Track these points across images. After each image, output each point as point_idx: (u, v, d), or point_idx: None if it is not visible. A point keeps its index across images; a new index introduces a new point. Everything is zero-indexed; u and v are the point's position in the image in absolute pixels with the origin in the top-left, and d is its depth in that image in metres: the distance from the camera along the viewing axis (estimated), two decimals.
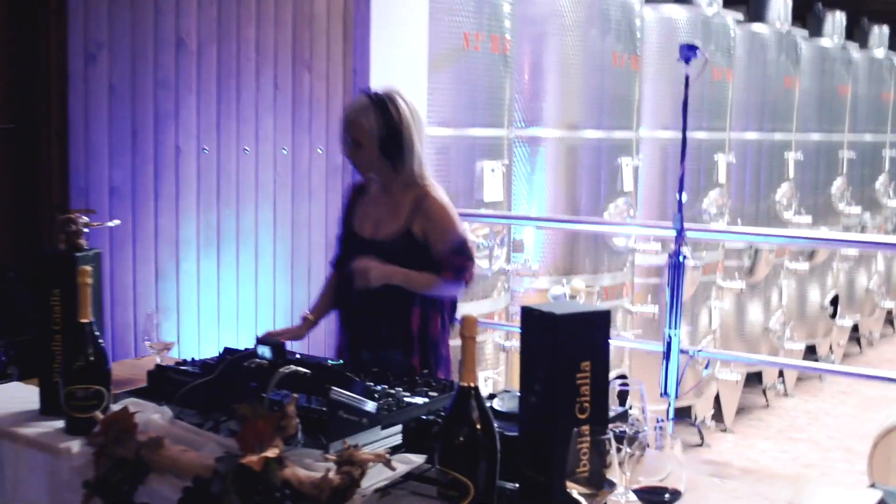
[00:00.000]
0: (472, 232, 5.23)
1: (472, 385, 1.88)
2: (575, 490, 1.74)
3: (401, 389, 2.49)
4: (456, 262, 3.01)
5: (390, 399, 2.40)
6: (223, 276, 3.90)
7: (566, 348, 1.85)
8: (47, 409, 2.59)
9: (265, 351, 2.25)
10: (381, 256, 2.99)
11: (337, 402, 2.15)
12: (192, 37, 3.78)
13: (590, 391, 1.87)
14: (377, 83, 4.50)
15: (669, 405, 3.94)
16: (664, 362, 3.91)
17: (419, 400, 2.42)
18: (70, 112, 3.44)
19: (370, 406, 2.24)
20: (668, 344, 3.90)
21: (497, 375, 5.63)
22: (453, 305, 3.15)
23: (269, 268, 4.12)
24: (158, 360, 2.83)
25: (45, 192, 3.51)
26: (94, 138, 3.52)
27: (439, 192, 3.08)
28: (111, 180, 3.58)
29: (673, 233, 3.94)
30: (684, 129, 4.04)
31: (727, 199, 6.96)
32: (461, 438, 1.85)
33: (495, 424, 1.88)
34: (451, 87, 5.25)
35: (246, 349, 2.43)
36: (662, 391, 3.92)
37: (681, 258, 3.89)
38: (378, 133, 2.96)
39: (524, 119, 5.96)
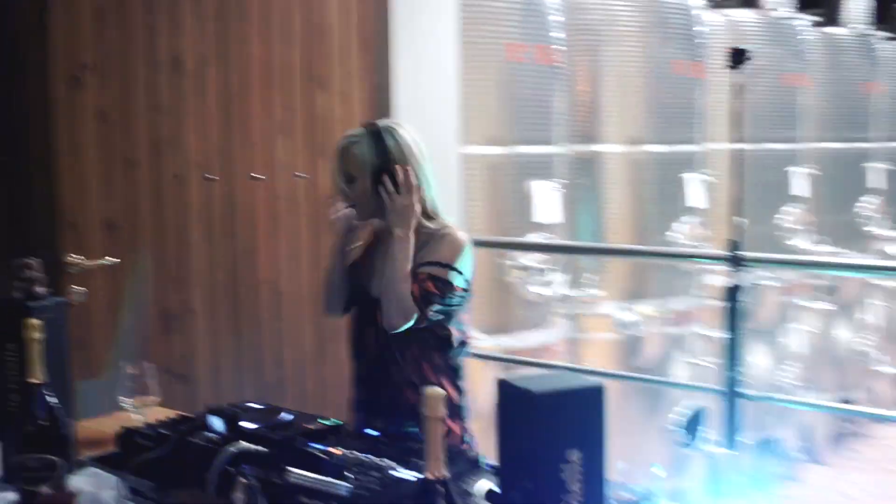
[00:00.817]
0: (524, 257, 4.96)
1: (438, 477, 1.53)
2: None
3: (390, 461, 2.12)
4: (423, 281, 2.60)
5: (374, 474, 2.05)
6: (241, 318, 3.62)
7: (550, 433, 1.50)
8: (9, 477, 2.34)
9: (215, 423, 1.93)
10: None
11: (296, 487, 1.82)
12: (190, 56, 3.50)
13: (581, 487, 1.51)
14: (402, 98, 4.22)
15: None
16: (724, 406, 3.51)
17: (410, 475, 2.06)
18: (54, 142, 3.17)
19: (342, 489, 1.90)
20: (728, 386, 3.49)
21: None
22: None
23: (294, 304, 3.83)
24: (140, 419, 2.54)
25: (33, 229, 3.26)
26: (83, 169, 3.25)
27: (461, 234, 2.71)
28: (104, 215, 3.31)
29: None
30: (739, 142, 3.69)
31: (807, 215, 6.55)
32: None
33: None
34: (494, 103, 5.00)
35: (204, 415, 2.11)
36: (723, 438, 3.53)
37: (738, 289, 3.49)
38: (371, 166, 2.63)
39: (581, 134, 5.62)
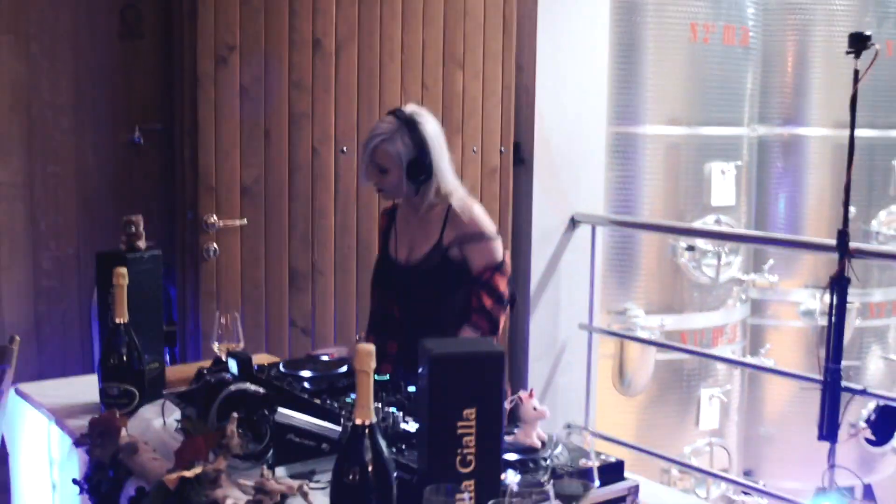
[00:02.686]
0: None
1: (365, 423, 1.80)
2: None
3: (400, 414, 2.42)
4: (488, 278, 2.94)
5: (381, 423, 2.34)
6: (362, 280, 3.98)
7: (446, 393, 1.73)
8: None
9: (232, 365, 2.28)
10: (418, 280, 2.98)
11: (284, 426, 2.14)
12: (330, 38, 3.89)
13: (475, 442, 1.74)
14: (544, 79, 4.42)
15: (831, 453, 3.56)
16: (822, 401, 3.53)
17: (412, 427, 2.35)
18: (200, 114, 3.64)
19: (334, 432, 2.20)
20: (829, 380, 3.51)
21: (723, 396, 5.36)
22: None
23: None
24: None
25: (181, 191, 3.75)
26: (224, 139, 3.71)
27: (468, 200, 3.03)
28: (243, 180, 3.76)
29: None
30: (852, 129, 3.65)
31: None
32: (351, 481, 1.79)
33: (391, 467, 1.79)
34: (677, 83, 5.10)
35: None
36: (820, 434, 3.55)
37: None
38: (406, 158, 2.94)
39: (781, 116, 5.60)
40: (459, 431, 1.74)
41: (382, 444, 1.81)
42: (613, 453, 4.75)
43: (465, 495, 1.60)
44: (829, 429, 3.55)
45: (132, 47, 3.85)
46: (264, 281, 3.87)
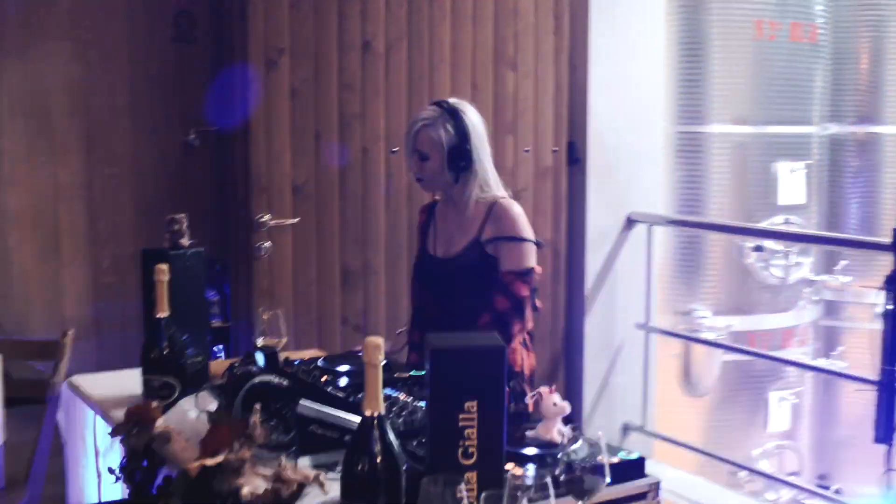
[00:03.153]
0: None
1: (374, 414, 1.83)
2: None
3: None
4: (509, 282, 2.95)
5: (394, 412, 2.37)
6: None
7: (447, 385, 1.76)
8: None
9: (259, 358, 2.34)
10: (453, 274, 3.00)
11: (305, 417, 2.18)
12: (380, 39, 3.94)
13: (476, 434, 1.76)
14: (598, 78, 4.42)
15: (889, 456, 3.49)
16: (878, 403, 3.46)
17: None
18: (251, 116, 3.72)
19: (356, 424, 2.24)
20: (884, 381, 3.44)
21: (793, 398, 5.30)
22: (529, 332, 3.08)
23: None
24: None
25: (234, 191, 3.84)
26: (275, 141, 3.78)
27: (512, 201, 3.03)
28: (294, 180, 3.83)
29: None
30: None
31: None
32: (361, 471, 1.82)
33: (400, 458, 1.82)
34: (743, 81, 5.06)
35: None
36: (876, 437, 3.48)
37: None
38: (447, 144, 2.95)
39: (854, 114, 5.52)
40: (461, 424, 1.76)
41: (391, 435, 1.84)
42: (676, 456, 4.73)
43: (462, 487, 1.62)
44: (885, 431, 3.48)
45: (186, 52, 3.96)
46: (316, 279, 3.94)
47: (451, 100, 3.13)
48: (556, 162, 4.42)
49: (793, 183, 5.25)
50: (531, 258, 3.08)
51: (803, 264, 5.25)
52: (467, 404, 1.76)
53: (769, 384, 5.22)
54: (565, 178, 4.46)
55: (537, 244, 3.13)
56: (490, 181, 3.12)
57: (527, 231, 3.10)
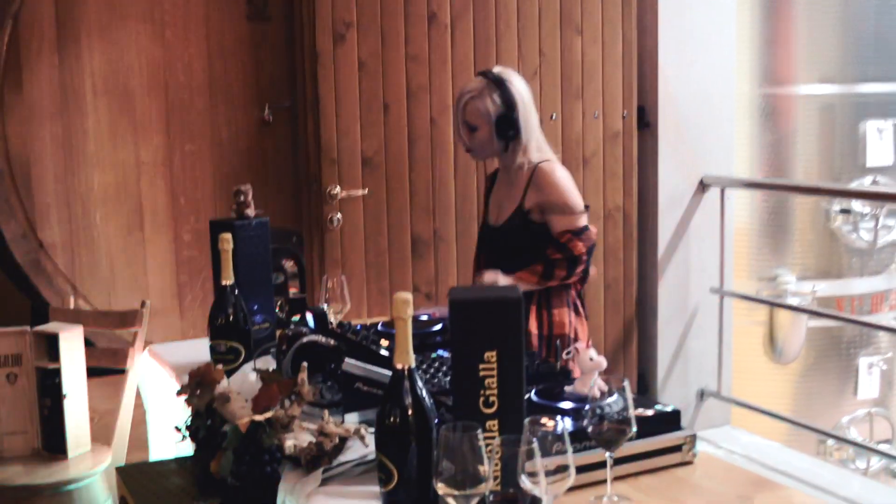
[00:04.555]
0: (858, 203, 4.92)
1: (404, 367, 1.92)
2: (443, 488, 1.72)
3: None
4: (566, 241, 2.98)
5: (443, 372, 2.47)
6: None
7: (467, 335, 1.84)
8: None
9: (310, 319, 2.45)
10: (501, 241, 3.10)
11: (352, 375, 2.29)
12: (445, 10, 4.02)
13: (497, 383, 1.84)
14: (668, 41, 4.42)
15: None
16: None
17: None
18: (320, 89, 3.84)
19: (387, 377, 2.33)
20: None
21: (883, 364, 5.24)
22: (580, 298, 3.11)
23: None
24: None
25: (304, 163, 3.97)
26: (344, 113, 3.90)
27: (555, 165, 3.08)
28: (363, 152, 3.94)
29: None
30: None
31: None
32: (392, 422, 1.91)
33: (430, 410, 1.91)
34: (829, 39, 5.00)
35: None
36: None
37: None
38: (495, 114, 3.00)
39: None
40: (482, 373, 1.84)
41: (422, 387, 1.93)
42: (759, 422, 4.71)
43: (480, 434, 1.69)
44: None
45: (260, 29, 4.08)
46: (387, 248, 4.05)
47: (497, 69, 3.19)
48: (626, 126, 4.44)
49: (881, 143, 5.16)
50: (582, 218, 3.13)
51: (893, 227, 5.16)
52: (487, 354, 1.83)
53: (858, 350, 5.15)
54: (635, 143, 4.48)
55: (585, 207, 3.16)
56: (535, 147, 3.17)
57: (571, 195, 3.14)
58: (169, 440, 3.28)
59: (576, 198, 3.15)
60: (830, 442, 5.07)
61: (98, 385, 3.36)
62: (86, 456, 3.10)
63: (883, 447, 4.89)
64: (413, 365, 1.92)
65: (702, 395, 4.76)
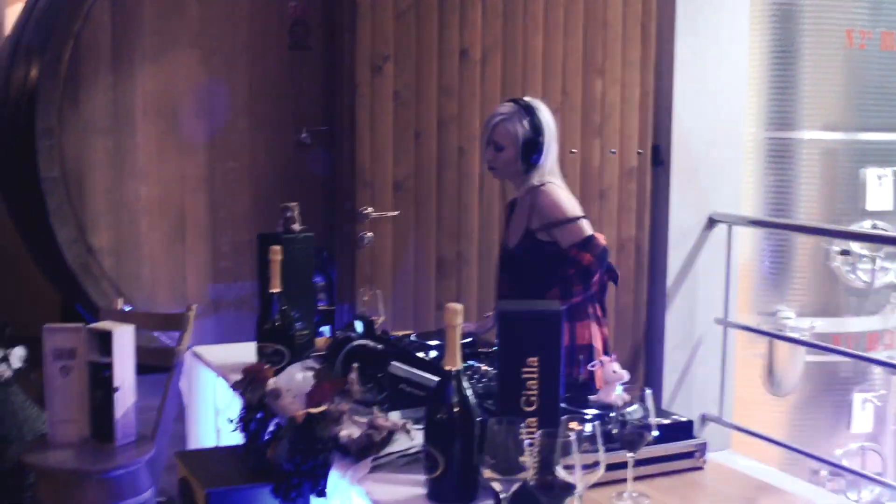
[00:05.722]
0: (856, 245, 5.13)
1: (453, 369, 2.16)
2: (488, 473, 1.95)
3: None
4: (574, 254, 3.21)
5: (475, 378, 2.71)
6: None
7: (512, 343, 2.08)
8: None
9: (358, 325, 2.69)
10: (515, 263, 3.31)
11: (397, 377, 2.53)
12: (477, 47, 4.29)
13: (537, 385, 2.08)
14: (683, 85, 4.68)
15: None
16: None
17: None
18: (357, 116, 4.10)
19: (434, 382, 2.58)
20: None
21: (877, 400, 5.42)
22: (602, 306, 3.34)
23: None
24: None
25: (340, 185, 4.23)
26: (378, 139, 4.16)
27: (555, 188, 3.37)
28: (395, 176, 4.20)
29: None
30: None
31: None
32: (440, 417, 2.14)
33: (474, 409, 2.14)
34: (833, 88, 5.22)
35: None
36: None
37: None
38: (522, 137, 3.25)
39: None
40: (524, 376, 2.08)
41: (467, 388, 2.17)
42: (759, 450, 4.91)
43: (522, 429, 1.94)
44: None
45: (300, 57, 4.35)
46: (413, 267, 4.30)
47: (527, 97, 3.45)
48: (641, 163, 4.70)
49: (880, 189, 5.39)
50: (585, 229, 3.33)
51: (890, 270, 5.37)
52: (529, 360, 2.08)
53: (853, 386, 5.35)
54: (649, 179, 4.74)
55: (584, 217, 3.38)
56: (548, 173, 3.40)
57: (569, 210, 3.34)
58: (207, 433, 3.51)
59: (570, 207, 3.35)
60: (824, 472, 5.26)
61: (142, 381, 3.59)
62: (131, 445, 3.29)
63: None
64: (460, 367, 2.17)
65: (703, 419, 4.99)
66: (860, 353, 5.18)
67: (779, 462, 5.13)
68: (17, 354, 3.81)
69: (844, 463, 5.26)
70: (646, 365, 4.84)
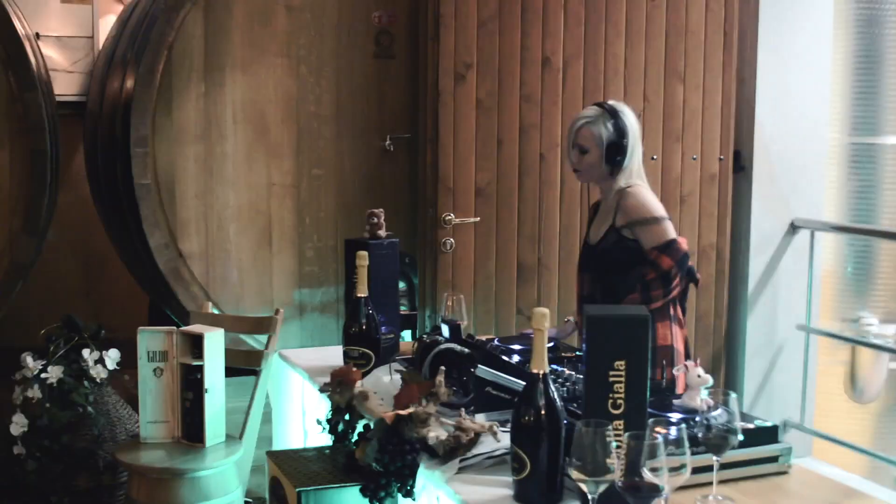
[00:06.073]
0: None
1: (540, 372, 2.20)
2: (576, 475, 1.99)
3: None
4: (654, 257, 3.22)
5: (559, 382, 2.74)
6: None
7: (600, 347, 2.11)
8: None
9: (444, 329, 2.75)
10: (597, 259, 3.34)
11: (483, 380, 2.58)
12: (558, 55, 4.33)
13: (624, 388, 2.11)
14: (765, 91, 4.67)
15: None
16: None
17: None
18: (440, 124, 4.16)
19: (520, 386, 2.62)
20: None
21: None
22: (682, 308, 3.35)
23: None
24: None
25: (422, 191, 4.29)
26: (461, 147, 4.22)
27: (642, 189, 3.39)
28: (477, 182, 4.25)
29: None
30: None
31: None
32: (527, 420, 2.19)
33: (560, 411, 2.18)
34: None
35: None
36: None
37: None
38: (607, 140, 3.27)
39: None
40: (611, 379, 2.11)
41: (553, 391, 2.20)
42: (840, 457, 4.88)
43: (610, 431, 1.97)
44: None
45: (385, 66, 4.43)
46: (494, 272, 4.34)
47: (611, 101, 3.47)
48: (722, 169, 4.69)
49: None
50: (668, 232, 3.34)
51: None
52: (616, 363, 2.11)
53: None
54: (730, 185, 4.72)
55: (668, 218, 3.39)
56: (635, 174, 3.42)
57: (655, 210, 3.37)
58: (294, 435, 3.59)
59: (655, 207, 3.38)
60: None
61: (230, 383, 3.68)
62: (221, 446, 3.38)
63: None
64: (547, 370, 2.20)
65: (784, 426, 4.95)
66: None
67: (861, 470, 5.07)
68: (112, 356, 3.92)
69: None
70: (726, 371, 4.82)
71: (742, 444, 2.28)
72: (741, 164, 4.78)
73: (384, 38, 4.41)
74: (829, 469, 4.75)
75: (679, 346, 3.38)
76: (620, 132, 3.36)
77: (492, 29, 4.24)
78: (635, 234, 3.37)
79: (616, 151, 3.36)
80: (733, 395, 2.23)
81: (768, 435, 2.45)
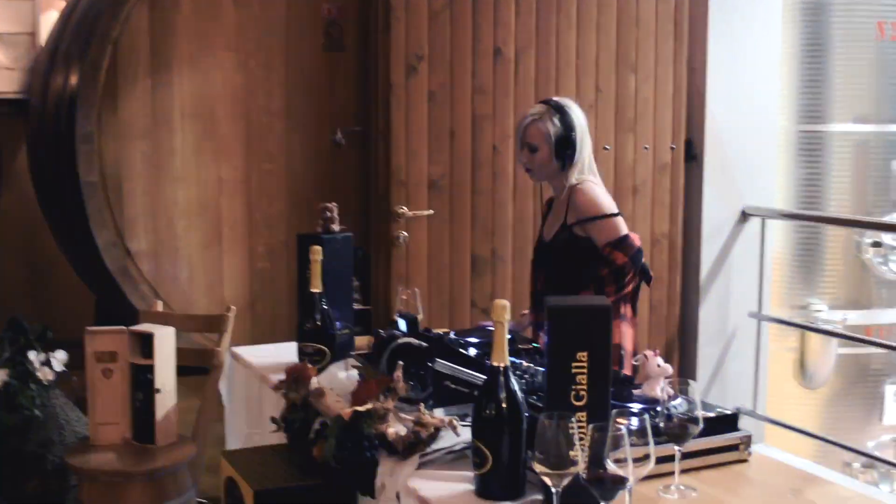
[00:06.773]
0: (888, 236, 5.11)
1: (501, 365, 2.16)
2: (539, 468, 1.95)
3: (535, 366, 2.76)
4: (607, 253, 3.21)
5: (517, 375, 2.69)
6: None
7: (562, 338, 2.07)
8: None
9: (401, 323, 2.69)
10: (549, 256, 3.31)
11: (441, 374, 2.53)
12: (510, 46, 4.30)
13: (587, 380, 2.07)
14: (715, 81, 4.67)
15: None
16: None
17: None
18: (392, 117, 4.11)
19: (479, 380, 2.58)
20: None
21: None
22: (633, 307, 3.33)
23: None
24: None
25: (375, 184, 4.23)
26: (413, 139, 4.17)
27: (592, 185, 3.37)
28: (429, 175, 4.20)
29: None
30: None
31: None
32: (488, 413, 2.14)
33: (522, 404, 2.14)
34: (864, 81, 5.20)
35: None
36: None
37: None
38: (555, 135, 3.25)
39: None
40: (573, 371, 2.07)
41: (515, 384, 2.16)
42: (791, 442, 4.90)
43: (573, 423, 1.93)
44: None
45: (335, 59, 4.36)
46: (448, 265, 4.30)
47: (556, 98, 3.45)
48: (674, 158, 4.69)
49: None
50: (620, 228, 3.33)
51: None
52: (579, 354, 2.07)
53: (885, 378, 5.33)
54: (682, 174, 4.72)
55: (619, 214, 3.37)
56: (587, 169, 3.40)
57: (605, 206, 3.34)
58: (247, 434, 3.52)
59: (606, 204, 3.36)
60: (856, 465, 5.24)
61: (182, 382, 3.60)
62: (173, 447, 3.31)
63: None
64: (508, 363, 2.16)
65: (738, 413, 4.95)
66: (892, 345, 5.15)
67: (811, 455, 5.11)
68: (59, 358, 3.82)
69: (877, 455, 5.23)
70: (680, 359, 4.83)
71: (702, 433, 2.25)
72: (693, 154, 4.78)
73: (334, 29, 4.35)
74: (783, 455, 4.78)
75: (628, 345, 3.35)
76: (568, 126, 3.34)
77: (443, 20, 4.19)
78: (587, 231, 3.34)
79: (565, 146, 3.34)
80: (693, 384, 2.21)
81: (728, 423, 2.43)
